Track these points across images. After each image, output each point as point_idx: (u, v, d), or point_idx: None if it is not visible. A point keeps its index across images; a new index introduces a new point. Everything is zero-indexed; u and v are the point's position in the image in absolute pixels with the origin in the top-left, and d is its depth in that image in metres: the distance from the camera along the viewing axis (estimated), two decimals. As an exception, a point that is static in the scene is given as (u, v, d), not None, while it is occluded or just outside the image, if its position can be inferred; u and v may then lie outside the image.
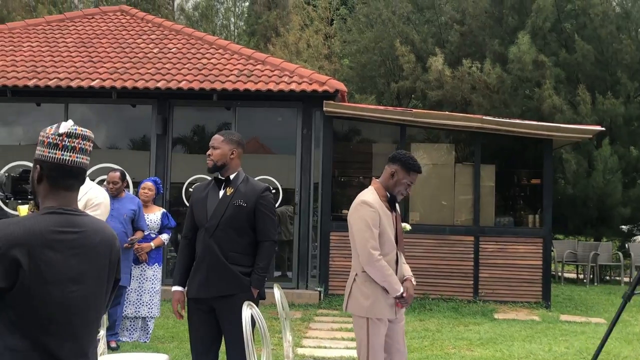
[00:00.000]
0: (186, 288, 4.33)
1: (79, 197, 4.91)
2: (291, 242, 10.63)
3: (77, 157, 2.28)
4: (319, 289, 10.18)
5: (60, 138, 2.27)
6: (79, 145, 2.29)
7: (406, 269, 4.38)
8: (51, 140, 2.28)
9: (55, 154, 2.26)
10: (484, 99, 15.49)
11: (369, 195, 4.25)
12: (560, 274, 14.81)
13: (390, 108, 11.55)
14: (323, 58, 19.33)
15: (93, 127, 11.63)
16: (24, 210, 5.41)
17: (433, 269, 10.32)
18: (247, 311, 3.46)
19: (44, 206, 2.25)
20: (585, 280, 14.47)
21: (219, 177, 4.31)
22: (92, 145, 2.36)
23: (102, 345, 4.39)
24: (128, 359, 4.42)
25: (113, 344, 6.83)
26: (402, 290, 4.17)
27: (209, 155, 4.28)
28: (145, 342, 7.30)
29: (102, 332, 4.43)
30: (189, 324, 4.34)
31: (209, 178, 4.47)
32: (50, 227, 2.14)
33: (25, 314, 2.07)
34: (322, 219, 10.41)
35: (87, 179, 5.05)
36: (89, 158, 2.35)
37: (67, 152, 2.26)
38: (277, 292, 4.31)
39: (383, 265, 4.11)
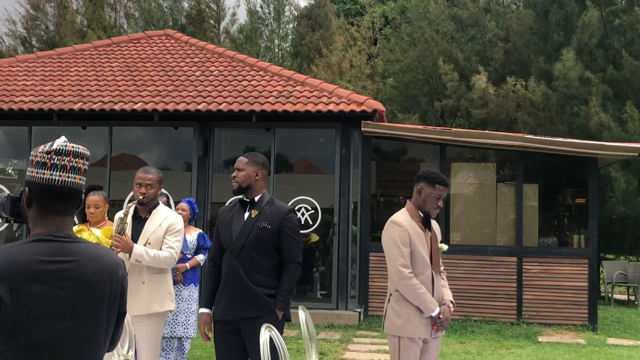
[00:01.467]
0: (212, 310, 4.36)
1: (159, 223, 4.92)
2: (331, 263, 10.60)
3: (68, 177, 2.03)
4: (358, 310, 10.10)
5: (49, 156, 2.03)
6: (71, 164, 2.05)
7: (446, 293, 4.33)
8: (39, 159, 2.04)
9: (44, 174, 2.02)
10: (529, 117, 15.25)
11: (399, 215, 4.28)
12: (610, 295, 14.38)
13: (429, 128, 11.47)
14: (366, 78, 19.34)
15: (136, 150, 11.91)
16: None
17: (475, 290, 10.14)
18: (266, 334, 3.45)
19: (33, 232, 2.02)
20: (636, 302, 14.01)
21: (244, 199, 4.33)
22: (87, 163, 2.12)
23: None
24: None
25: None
26: (437, 311, 4.11)
27: (234, 177, 4.31)
28: (181, 363, 7.33)
29: (131, 353, 4.46)
30: (215, 346, 4.36)
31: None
32: (36, 256, 1.91)
33: (10, 355, 1.86)
34: (362, 240, 10.36)
35: (161, 204, 5.11)
36: (83, 178, 2.10)
37: (56, 171, 2.02)
38: (301, 314, 4.28)
39: (414, 283, 4.08)
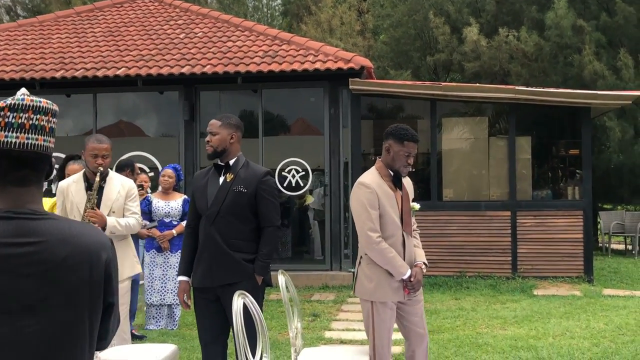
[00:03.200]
0: (191, 277, 4.25)
1: (117, 190, 4.75)
2: (323, 223, 10.51)
3: (28, 139, 1.64)
4: (352, 270, 10.03)
5: (3, 114, 1.64)
6: (30, 122, 1.65)
7: (419, 254, 4.18)
8: None
9: None
10: (522, 69, 15.00)
11: (367, 176, 4.10)
12: (607, 245, 14.33)
13: (419, 83, 11.26)
14: (357, 35, 19.01)
15: (120, 116, 11.72)
16: (46, 203, 5.37)
17: (469, 246, 10.06)
18: (239, 301, 3.34)
19: None
20: (633, 252, 13.97)
21: (219, 163, 4.18)
22: (54, 120, 1.72)
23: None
24: (136, 351, 4.35)
25: (136, 332, 6.82)
26: (408, 274, 3.97)
27: (208, 141, 4.16)
28: (173, 329, 7.29)
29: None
30: (195, 314, 4.27)
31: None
32: None
33: None
34: (353, 199, 10.22)
35: (110, 170, 4.95)
36: (49, 139, 1.70)
37: (12, 132, 1.63)
38: (281, 279, 4.17)
39: (383, 247, 3.94)
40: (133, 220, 4.83)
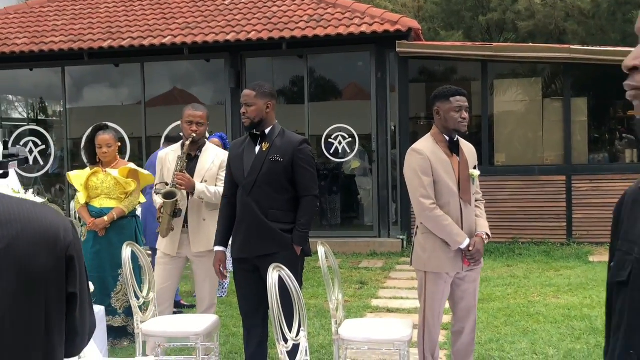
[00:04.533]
0: (229, 248, 4.22)
1: (211, 160, 4.73)
2: (370, 191, 10.38)
3: None
4: (401, 237, 9.90)
5: None
6: None
7: (481, 224, 4.03)
8: None
9: None
10: (579, 27, 14.46)
11: (421, 142, 3.99)
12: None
13: (468, 44, 10.92)
14: (406, -4, 18.57)
15: (169, 84, 11.76)
16: (75, 177, 5.40)
17: (522, 212, 9.79)
18: (275, 274, 3.26)
19: None
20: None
21: (254, 132, 4.10)
22: None
23: (152, 308, 4.35)
24: (178, 321, 4.35)
25: (184, 302, 6.88)
26: (465, 243, 3.83)
27: (244, 113, 4.08)
28: (222, 296, 7.32)
29: (152, 295, 4.38)
30: (235, 284, 4.25)
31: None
32: None
33: None
34: (401, 164, 10.02)
35: (207, 141, 4.97)
36: None
37: None
38: (321, 250, 4.09)
39: (437, 214, 3.81)
40: (222, 188, 4.83)
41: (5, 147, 1.83)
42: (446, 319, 5.72)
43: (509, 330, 5.73)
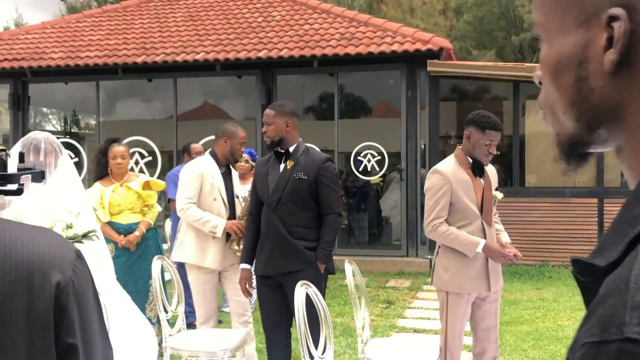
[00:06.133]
0: (253, 266, 4.24)
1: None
2: (398, 208, 10.34)
3: None
4: (429, 257, 9.83)
5: None
6: None
7: (503, 237, 4.08)
8: None
9: None
10: (613, 48, 14.30)
11: (444, 162, 3.98)
12: None
13: (500, 64, 10.86)
14: (438, 14, 18.59)
15: (200, 100, 11.89)
16: (93, 194, 5.42)
17: (552, 235, 9.67)
18: (302, 291, 3.26)
19: None
20: None
21: (279, 150, 4.12)
22: None
23: (180, 321, 4.37)
24: (204, 336, 4.36)
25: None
26: (481, 244, 3.79)
27: (264, 132, 4.12)
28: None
29: (181, 309, 4.40)
30: (259, 301, 4.25)
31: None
32: None
33: None
34: (431, 184, 9.99)
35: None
36: None
37: None
38: (348, 268, 4.08)
39: (442, 230, 3.81)
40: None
41: (22, 160, 1.75)
42: (468, 340, 5.66)
43: (537, 354, 5.64)
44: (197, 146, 7.10)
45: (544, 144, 10.36)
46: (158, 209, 5.61)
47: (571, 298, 7.94)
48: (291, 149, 4.10)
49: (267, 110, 4.14)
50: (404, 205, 10.10)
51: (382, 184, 11.37)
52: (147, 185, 5.49)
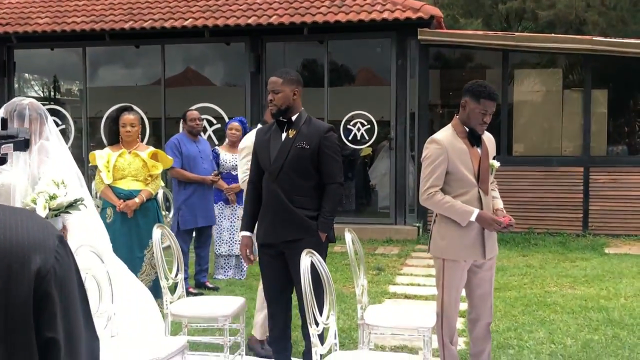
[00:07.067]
0: (254, 233, 4.28)
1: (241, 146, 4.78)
2: (387, 177, 10.42)
3: None
4: (417, 224, 9.96)
5: None
6: None
7: (497, 203, 4.16)
8: None
9: None
10: (600, 17, 14.37)
11: (441, 132, 4.04)
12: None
13: (490, 33, 10.89)
14: (426, -18, 18.47)
15: (187, 67, 11.81)
16: (100, 157, 5.46)
17: (539, 202, 9.82)
18: (307, 260, 3.33)
19: None
20: None
21: (281, 119, 4.14)
22: None
23: (180, 289, 4.43)
24: (205, 303, 4.43)
25: (210, 284, 6.98)
26: (475, 213, 3.87)
27: (271, 100, 4.10)
28: (240, 279, 7.41)
29: (181, 276, 4.46)
30: (260, 269, 4.30)
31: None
32: None
33: None
34: (419, 152, 10.04)
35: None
36: None
37: None
38: (348, 236, 4.15)
39: (437, 199, 3.89)
40: None
41: (4, 126, 1.60)
42: (463, 306, 5.79)
43: (527, 320, 5.78)
44: (192, 112, 7.10)
45: (531, 114, 10.46)
46: (161, 183, 5.65)
47: (557, 265, 8.11)
48: (294, 118, 4.12)
49: (274, 78, 4.11)
50: (393, 174, 10.18)
51: (371, 153, 11.43)
52: (154, 156, 5.51)
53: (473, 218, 3.87)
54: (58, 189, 3.65)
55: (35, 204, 3.56)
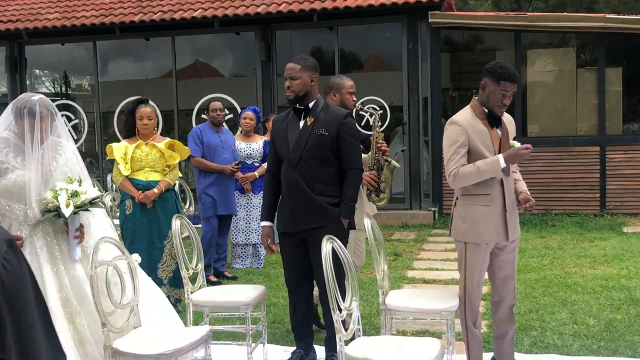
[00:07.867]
0: (275, 222, 4.27)
1: None
2: (401, 162, 10.38)
3: None
4: (432, 209, 9.92)
5: None
6: None
7: (520, 185, 4.09)
8: None
9: None
10: (611, -5, 14.20)
11: (460, 113, 3.98)
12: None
13: (502, 14, 10.80)
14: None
15: (198, 58, 11.79)
16: (117, 149, 5.46)
17: (555, 183, 9.75)
18: (328, 246, 3.31)
19: None
20: None
21: (298, 106, 4.11)
22: None
23: (200, 279, 4.43)
24: (226, 291, 4.43)
25: (228, 274, 6.99)
26: (502, 159, 3.79)
27: (289, 87, 4.07)
28: (258, 267, 7.42)
29: (200, 266, 4.46)
30: (282, 258, 4.30)
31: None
32: None
33: None
34: (433, 136, 10.02)
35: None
36: None
37: None
38: (367, 222, 4.13)
39: (461, 171, 3.81)
40: None
41: None
42: (485, 289, 5.77)
43: (548, 301, 5.75)
44: (214, 103, 7.07)
45: (545, 94, 10.38)
46: (179, 174, 5.64)
47: (575, 245, 8.06)
48: (311, 105, 4.09)
49: (292, 64, 4.08)
50: (407, 159, 10.14)
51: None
52: (171, 147, 5.51)
53: (503, 164, 3.82)
54: (74, 185, 3.65)
55: (57, 200, 3.56)
